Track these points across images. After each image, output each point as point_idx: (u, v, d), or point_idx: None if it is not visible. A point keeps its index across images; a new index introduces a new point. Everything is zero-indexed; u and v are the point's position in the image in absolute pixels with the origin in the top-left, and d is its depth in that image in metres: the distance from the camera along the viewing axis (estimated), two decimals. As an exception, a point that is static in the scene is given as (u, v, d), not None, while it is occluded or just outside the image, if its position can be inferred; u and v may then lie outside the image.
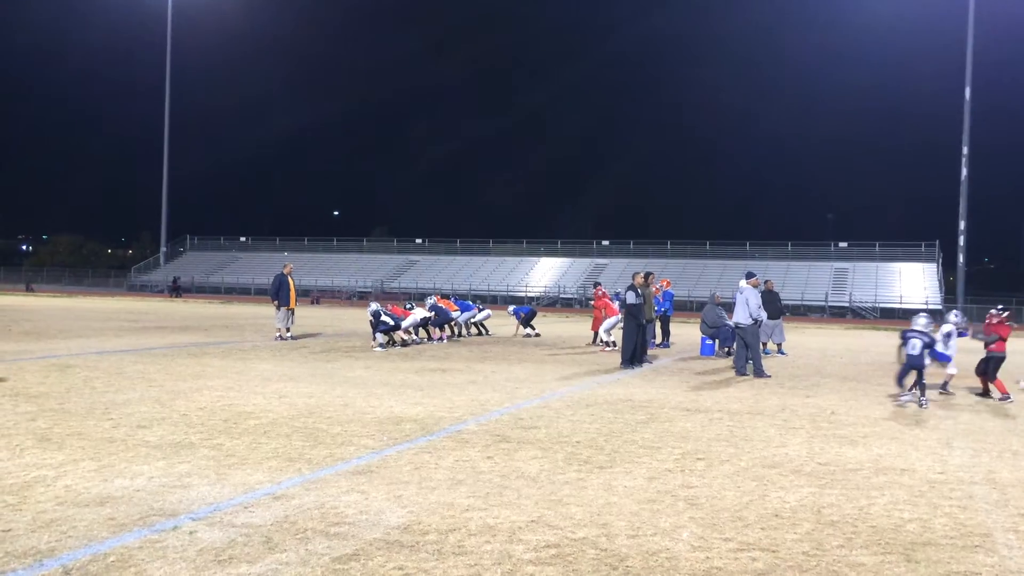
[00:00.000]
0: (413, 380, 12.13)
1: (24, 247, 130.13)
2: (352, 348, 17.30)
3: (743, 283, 14.55)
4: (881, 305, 50.40)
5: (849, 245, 57.91)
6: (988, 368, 11.80)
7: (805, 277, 54.82)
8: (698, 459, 7.15)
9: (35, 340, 17.36)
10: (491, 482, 6.13)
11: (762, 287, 17.31)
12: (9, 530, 4.73)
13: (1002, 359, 11.79)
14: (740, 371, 13.81)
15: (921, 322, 11.03)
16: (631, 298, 14.67)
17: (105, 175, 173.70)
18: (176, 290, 53.56)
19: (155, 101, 66.24)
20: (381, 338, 17.42)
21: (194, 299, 51.19)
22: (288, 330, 18.98)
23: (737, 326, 14.17)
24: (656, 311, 18.08)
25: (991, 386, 11.71)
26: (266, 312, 32.09)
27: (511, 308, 23.53)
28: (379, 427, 8.28)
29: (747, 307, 13.99)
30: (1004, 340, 11.79)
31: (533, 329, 22.58)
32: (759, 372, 13.71)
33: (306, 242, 71.68)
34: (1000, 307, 12.36)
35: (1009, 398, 11.39)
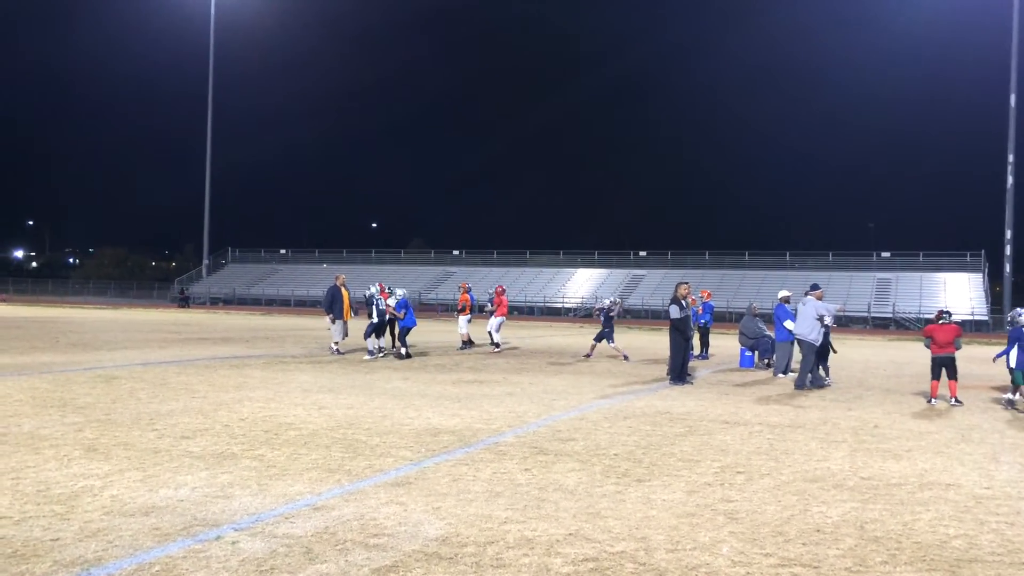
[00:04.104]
0: (450, 391, 12.18)
1: (71, 260, 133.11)
2: (390, 359, 17.41)
3: (807, 296, 14.37)
4: (926, 316, 49.45)
5: (892, 255, 56.98)
6: None
7: (847, 288, 54.05)
8: (738, 472, 7.09)
9: (82, 351, 17.73)
10: (529, 495, 6.14)
11: (800, 298, 17.10)
12: (57, 539, 4.83)
13: None
14: (806, 384, 13.50)
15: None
16: (675, 312, 14.35)
17: (150, 190, 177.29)
18: (184, 300, 57.12)
19: (198, 117, 67.42)
20: (372, 343, 17.56)
21: (235, 311, 51.90)
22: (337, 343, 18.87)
23: (799, 339, 13.92)
24: (694, 322, 17.92)
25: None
26: (306, 324, 32.44)
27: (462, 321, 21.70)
28: (417, 439, 8.32)
29: (810, 319, 13.73)
30: None
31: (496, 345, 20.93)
32: (817, 382, 13.58)
33: (344, 254, 72.33)
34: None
35: None
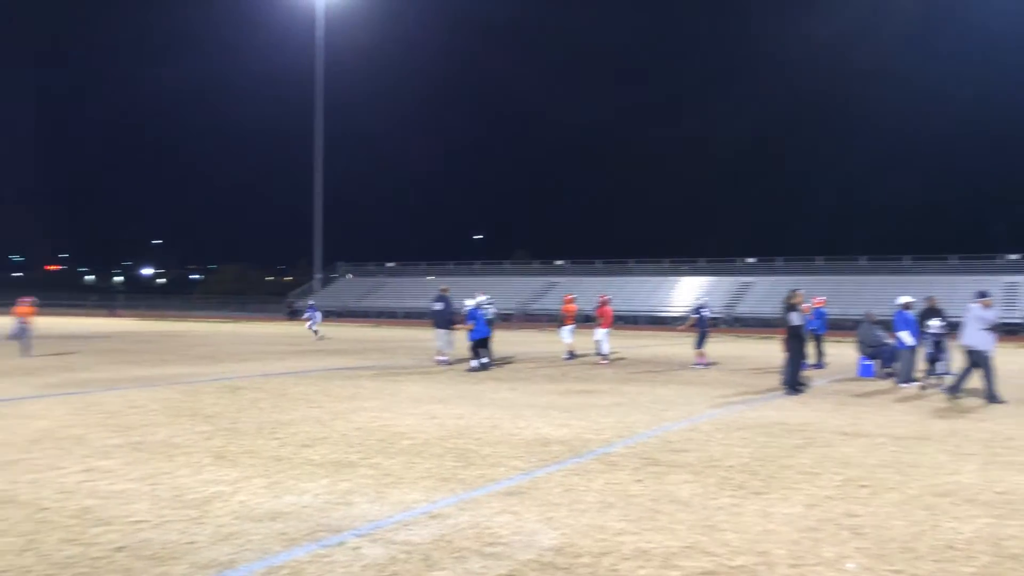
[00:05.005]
0: (559, 402, 12.20)
1: (195, 276, 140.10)
2: (499, 370, 17.56)
3: (972, 303, 13.64)
4: (1060, 321, 46.47)
5: (1022, 257, 53.77)
6: None
7: (972, 292, 51.39)
8: (861, 486, 6.83)
9: (208, 363, 18.61)
10: (642, 506, 6.09)
11: (921, 304, 16.37)
12: (192, 542, 5.09)
13: None
14: (993, 398, 12.78)
15: None
16: (795, 319, 14.00)
17: (266, 207, 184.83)
18: (294, 313, 59.77)
19: (307, 138, 69.89)
20: (477, 360, 17.41)
21: (346, 323, 53.41)
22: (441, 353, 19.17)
23: (969, 350, 13.18)
24: (806, 330, 17.36)
25: None
26: (415, 335, 33.09)
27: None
28: (527, 448, 8.37)
29: (975, 329, 12.99)
30: None
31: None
32: (992, 397, 12.75)
33: (450, 266, 73.45)
34: None
35: None
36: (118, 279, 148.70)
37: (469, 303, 17.86)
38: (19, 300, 21.76)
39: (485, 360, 17.49)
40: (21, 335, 20.66)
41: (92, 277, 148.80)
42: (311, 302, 33.95)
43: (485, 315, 18.21)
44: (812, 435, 9.44)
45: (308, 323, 31.12)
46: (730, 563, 4.80)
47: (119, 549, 4.92)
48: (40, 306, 23.61)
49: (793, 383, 13.79)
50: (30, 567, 4.58)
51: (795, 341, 13.90)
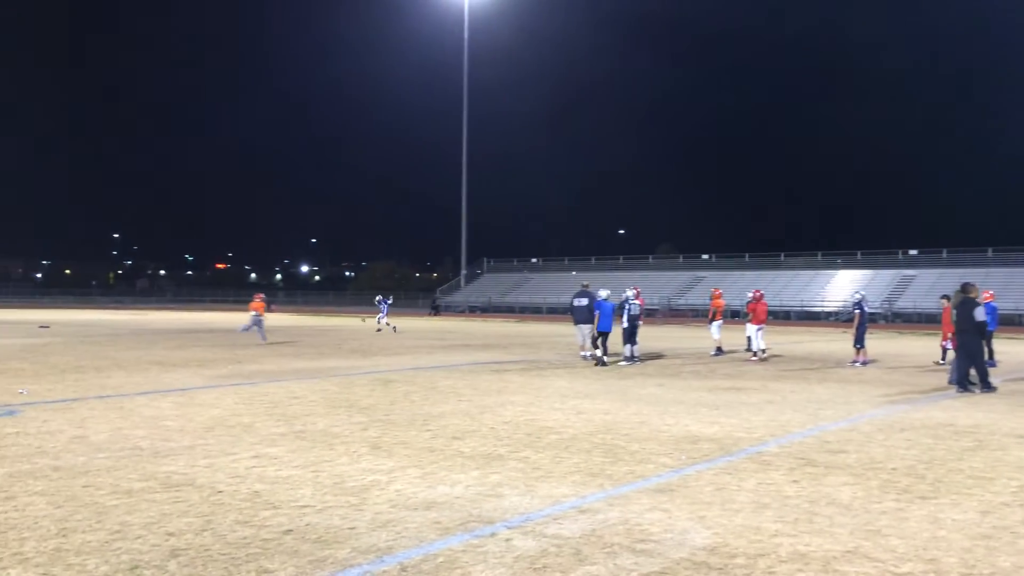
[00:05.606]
0: (707, 399, 11.96)
1: (348, 273, 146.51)
2: (646, 366, 17.40)
3: None
4: None
5: None
6: None
7: None
8: (1042, 494, 6.33)
9: (361, 357, 19.40)
10: (799, 507, 5.88)
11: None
12: (353, 528, 5.32)
13: None
14: None
15: None
16: (981, 314, 13.15)
17: (415, 207, 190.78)
18: (436, 309, 63.03)
19: (454, 141, 71.72)
20: (627, 349, 17.43)
21: (491, 318, 54.33)
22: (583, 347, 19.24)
23: None
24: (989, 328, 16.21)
25: None
26: (559, 330, 33.25)
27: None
28: (676, 445, 8.25)
29: None
30: None
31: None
32: None
33: (593, 261, 73.29)
34: None
35: None
36: (278, 277, 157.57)
37: (602, 294, 17.77)
38: (254, 296, 25.49)
39: (595, 352, 17.52)
40: (254, 326, 24.16)
41: (254, 275, 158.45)
42: (379, 296, 34.40)
43: (629, 310, 18.09)
44: (983, 438, 8.83)
45: (379, 316, 32.37)
46: (896, 570, 4.57)
47: (287, 532, 5.22)
48: (209, 303, 26.17)
49: (963, 381, 12.96)
50: (209, 546, 4.92)
51: (975, 338, 13.01)
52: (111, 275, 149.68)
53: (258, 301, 24.89)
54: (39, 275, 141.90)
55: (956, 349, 13.46)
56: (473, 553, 4.82)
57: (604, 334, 17.48)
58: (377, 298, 33.87)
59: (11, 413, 9.98)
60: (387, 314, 32.32)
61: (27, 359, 17.70)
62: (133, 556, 4.72)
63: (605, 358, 17.30)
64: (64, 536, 5.09)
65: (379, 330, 31.75)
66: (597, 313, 17.44)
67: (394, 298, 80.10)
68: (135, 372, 15.16)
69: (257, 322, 24.11)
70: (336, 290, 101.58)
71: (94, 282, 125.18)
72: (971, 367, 13.02)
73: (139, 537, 5.08)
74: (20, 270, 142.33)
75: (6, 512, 5.59)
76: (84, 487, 6.31)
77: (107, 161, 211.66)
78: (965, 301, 13.16)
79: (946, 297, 18.53)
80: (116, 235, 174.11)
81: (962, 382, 12.97)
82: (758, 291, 20.37)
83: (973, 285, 13.50)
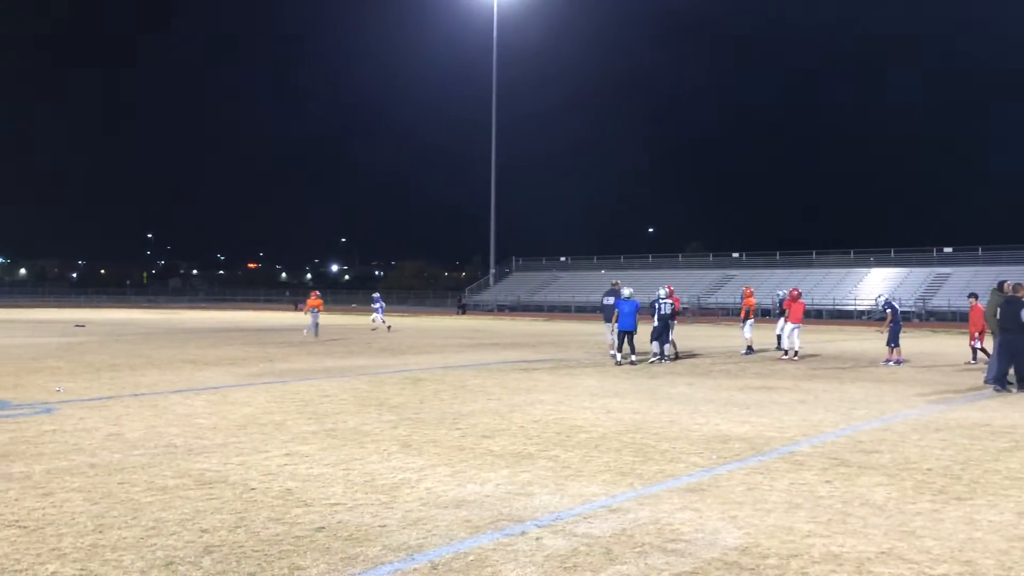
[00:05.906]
0: (738, 398, 11.87)
1: (377, 272, 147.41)
2: (676, 365, 17.31)
3: None
4: None
5: None
6: None
7: None
8: (1082, 496, 6.21)
9: (390, 356, 19.50)
10: (832, 508, 5.82)
11: None
12: (384, 525, 5.35)
13: None
14: None
15: None
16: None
17: (443, 206, 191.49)
18: (462, 308, 63.71)
19: (483, 141, 71.80)
20: (655, 347, 17.50)
21: (520, 317, 54.38)
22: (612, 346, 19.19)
23: None
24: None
25: None
26: (588, 329, 33.19)
27: None
28: (707, 445, 8.20)
29: None
30: None
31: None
32: None
33: (622, 260, 73.05)
34: None
35: None
36: (308, 276, 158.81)
37: (625, 292, 17.60)
38: (311, 294, 26.57)
39: (613, 352, 17.43)
40: (315, 325, 25.42)
41: (285, 275, 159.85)
42: (375, 294, 34.15)
43: (660, 308, 18.00)
44: (1020, 438, 8.68)
45: (375, 315, 31.95)
46: (931, 571, 4.51)
47: (319, 529, 5.26)
48: (241, 302, 27.07)
49: (1002, 380, 12.73)
50: (242, 543, 4.97)
51: (1020, 338, 12.71)
52: (145, 275, 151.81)
53: (315, 298, 25.68)
54: (75, 275, 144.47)
55: (995, 347, 13.22)
56: (503, 552, 4.82)
57: (626, 333, 17.14)
58: (374, 295, 34.30)
59: (48, 411, 10.16)
60: (383, 313, 32.17)
61: (63, 357, 18.01)
62: (168, 552, 4.79)
63: (633, 356, 17.14)
64: (100, 532, 5.17)
65: (374, 329, 31.75)
66: (616, 311, 17.17)
67: (422, 298, 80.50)
68: (169, 370, 15.36)
69: (315, 319, 25.22)
70: (366, 289, 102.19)
71: (128, 281, 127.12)
72: (1011, 367, 12.79)
73: (173, 533, 5.14)
74: (56, 270, 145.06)
75: (44, 508, 5.70)
76: (119, 484, 6.41)
77: (141, 162, 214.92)
78: (1011, 300, 12.89)
79: (974, 295, 18.24)
80: (150, 235, 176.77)
81: (1000, 381, 12.75)
82: (796, 289, 20.15)
83: (1022, 284, 13.18)
